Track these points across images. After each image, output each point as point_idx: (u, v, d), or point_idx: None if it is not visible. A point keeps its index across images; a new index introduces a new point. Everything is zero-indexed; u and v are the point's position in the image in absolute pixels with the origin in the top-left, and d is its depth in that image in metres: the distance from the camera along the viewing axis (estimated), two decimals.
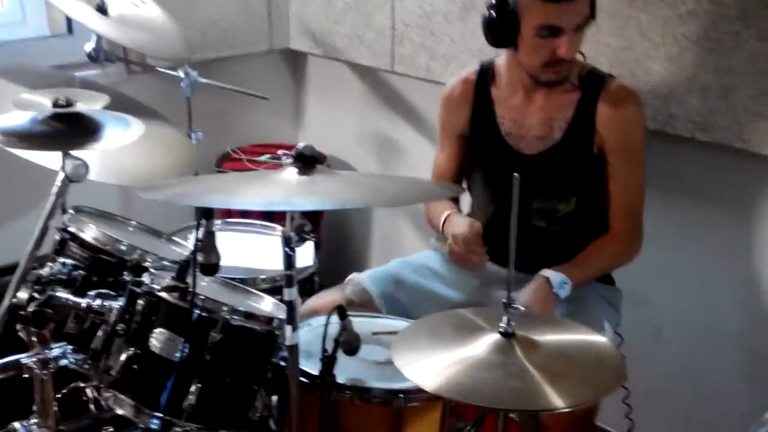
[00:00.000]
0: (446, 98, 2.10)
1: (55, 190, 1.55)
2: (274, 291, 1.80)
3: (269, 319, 1.61)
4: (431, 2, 2.53)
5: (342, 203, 1.32)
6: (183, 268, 1.54)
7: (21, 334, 1.62)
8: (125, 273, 1.69)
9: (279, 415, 1.62)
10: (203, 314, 1.55)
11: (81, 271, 1.68)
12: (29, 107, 1.53)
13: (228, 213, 2.55)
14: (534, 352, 1.38)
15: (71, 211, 1.82)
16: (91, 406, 1.76)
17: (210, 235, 1.49)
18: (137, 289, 1.57)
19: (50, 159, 1.67)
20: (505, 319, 1.40)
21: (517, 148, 1.98)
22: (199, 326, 1.55)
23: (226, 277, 1.83)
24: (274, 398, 1.61)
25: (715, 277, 2.18)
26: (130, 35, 2.21)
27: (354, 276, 2.05)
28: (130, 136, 1.58)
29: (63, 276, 1.66)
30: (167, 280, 1.55)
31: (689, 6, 1.96)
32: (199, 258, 1.50)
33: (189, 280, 1.52)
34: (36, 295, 1.58)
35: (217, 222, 2.35)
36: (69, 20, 2.63)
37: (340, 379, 1.54)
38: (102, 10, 2.18)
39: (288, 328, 1.41)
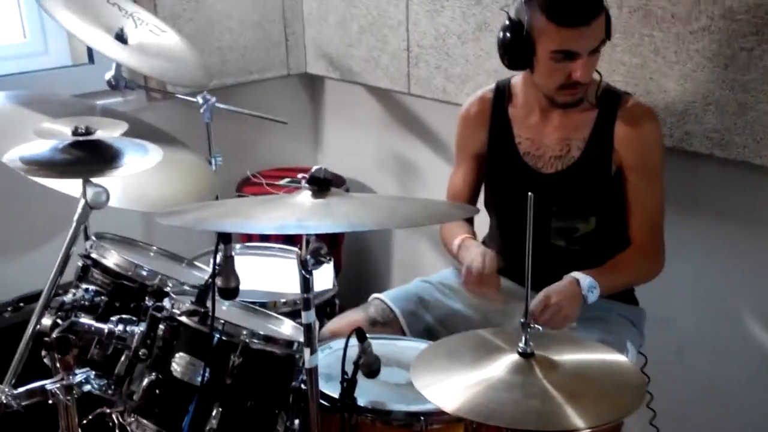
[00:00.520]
0: (463, 117, 2.10)
1: (76, 217, 1.57)
2: (295, 314, 1.81)
3: (289, 343, 1.62)
4: (445, 24, 2.55)
5: (356, 225, 1.33)
6: (203, 292, 1.55)
7: (45, 360, 1.64)
8: (147, 298, 1.71)
9: None
10: (223, 338, 1.57)
11: (103, 297, 1.71)
12: (50, 136, 1.56)
13: (248, 237, 2.57)
14: (553, 372, 1.38)
15: (93, 237, 1.84)
16: None
17: (229, 260, 1.50)
18: (158, 314, 1.59)
19: (71, 187, 1.69)
20: (523, 339, 1.40)
21: (536, 168, 1.98)
22: (220, 350, 1.56)
23: (246, 301, 1.84)
24: (297, 422, 1.61)
25: (736, 295, 2.16)
26: (149, 63, 2.24)
27: (377, 296, 2.06)
28: (148, 163, 1.60)
29: (85, 302, 1.68)
30: (187, 304, 1.57)
31: (702, 22, 1.96)
32: (219, 282, 1.51)
33: (209, 304, 1.54)
34: (59, 321, 1.60)
35: (237, 246, 2.38)
36: (90, 50, 2.68)
37: (361, 401, 1.54)
38: (121, 39, 2.22)
39: (307, 351, 1.42)
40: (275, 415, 1.61)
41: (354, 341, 1.53)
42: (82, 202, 1.56)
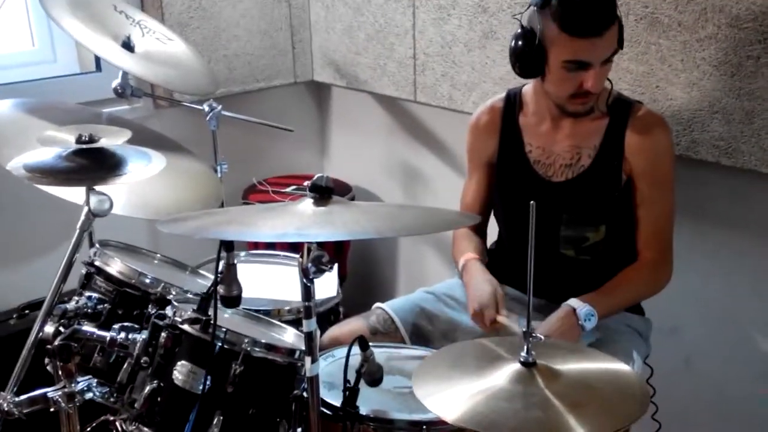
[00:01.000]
0: (473, 126, 2.10)
1: (79, 225, 1.58)
2: (299, 322, 1.80)
3: (291, 351, 1.62)
4: (451, 31, 2.55)
5: (356, 234, 1.33)
6: (204, 300, 1.56)
7: (48, 367, 1.64)
8: (150, 306, 1.71)
9: None
10: (225, 346, 1.57)
11: (106, 305, 1.71)
12: (54, 144, 1.57)
13: (254, 245, 2.57)
14: (555, 382, 1.36)
15: (97, 245, 1.85)
16: None
17: (231, 268, 1.50)
18: (160, 322, 1.59)
19: (76, 194, 1.69)
20: (525, 348, 1.39)
21: (546, 176, 1.97)
22: (221, 358, 1.56)
23: (248, 309, 1.84)
24: (299, 430, 1.61)
25: (744, 305, 2.14)
26: (155, 71, 2.25)
27: (379, 305, 2.05)
28: (152, 171, 1.60)
29: (88, 310, 1.69)
30: (189, 312, 1.57)
31: (709, 31, 1.95)
32: (221, 290, 1.51)
33: (211, 312, 1.53)
34: (62, 329, 1.60)
35: (242, 254, 2.39)
36: (97, 58, 2.69)
37: (363, 410, 1.53)
38: (128, 47, 2.23)
39: (308, 360, 1.42)
40: (277, 424, 1.60)
41: (356, 349, 1.52)
42: (85, 209, 1.56)
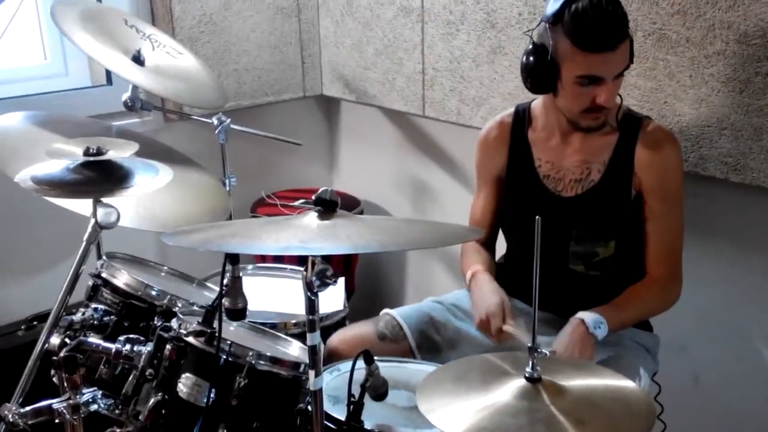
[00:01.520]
0: (482, 141, 2.10)
1: (86, 237, 1.58)
2: (305, 335, 1.81)
3: (295, 364, 1.62)
4: (460, 47, 2.56)
5: (359, 247, 1.33)
6: (209, 313, 1.56)
7: (54, 379, 1.65)
8: (155, 318, 1.72)
9: None
10: (229, 359, 1.57)
11: (112, 317, 1.72)
12: (62, 156, 1.58)
13: (262, 258, 2.58)
14: (560, 398, 1.35)
15: (104, 257, 1.86)
16: None
17: (236, 281, 1.51)
18: (165, 335, 1.59)
19: (83, 206, 1.70)
20: (530, 363, 1.38)
21: (555, 191, 1.97)
22: (226, 371, 1.57)
23: (254, 322, 1.84)
24: None
25: (753, 321, 2.13)
26: (165, 85, 2.26)
27: (388, 311, 2.05)
28: (159, 183, 1.61)
29: (95, 321, 1.69)
30: (194, 325, 1.57)
31: (717, 47, 1.95)
32: (226, 303, 1.51)
33: (215, 325, 1.54)
34: (67, 340, 1.60)
35: (250, 267, 2.39)
36: (108, 71, 2.71)
37: (368, 424, 1.53)
38: (138, 61, 2.24)
39: (312, 374, 1.41)
40: None
41: (361, 363, 1.52)
42: (92, 221, 1.57)
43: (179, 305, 1.74)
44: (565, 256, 1.96)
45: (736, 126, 1.96)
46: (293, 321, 2.05)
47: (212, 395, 1.55)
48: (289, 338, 1.82)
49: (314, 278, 1.36)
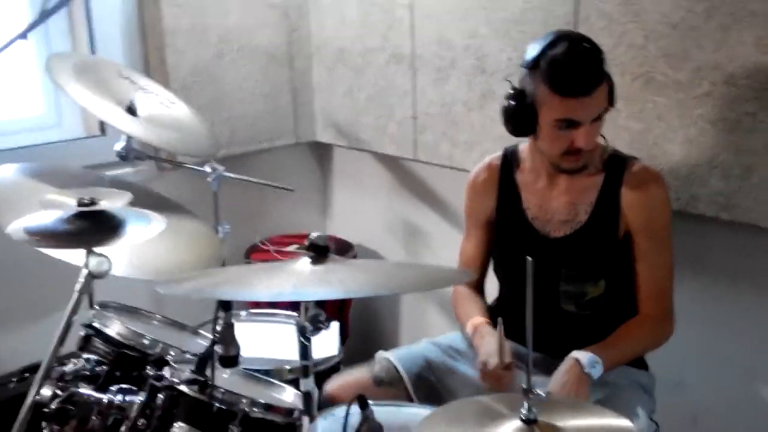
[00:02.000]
0: (471, 184, 2.11)
1: (78, 287, 1.58)
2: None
3: (289, 411, 1.60)
4: (451, 92, 2.58)
5: (351, 292, 1.33)
6: (202, 361, 1.55)
7: (45, 431, 1.63)
8: (148, 367, 1.70)
9: None
10: (222, 407, 1.55)
11: (104, 367, 1.71)
12: (55, 207, 1.58)
13: (256, 304, 2.56)
14: None
15: (97, 307, 1.85)
16: None
17: (229, 327, 1.50)
18: (158, 384, 1.58)
19: (76, 256, 1.70)
20: (526, 405, 1.37)
21: (544, 232, 1.98)
22: (219, 419, 1.55)
23: (248, 369, 1.83)
24: None
25: (748, 357, 2.12)
26: (158, 134, 2.28)
27: (383, 354, 2.04)
28: (151, 232, 1.61)
29: (86, 372, 1.68)
30: (187, 373, 1.56)
31: (704, 88, 1.97)
32: (219, 350, 1.50)
33: (208, 372, 1.53)
34: (59, 392, 1.59)
35: (243, 313, 2.38)
36: (102, 122, 2.73)
37: None
38: (132, 111, 2.26)
39: (305, 420, 1.40)
40: None
41: (356, 408, 1.51)
42: (84, 271, 1.57)
43: (172, 354, 1.73)
44: (556, 296, 1.96)
45: (726, 165, 1.98)
46: (288, 367, 2.04)
47: None
48: (283, 384, 1.80)
49: (307, 323, 1.36)
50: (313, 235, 1.38)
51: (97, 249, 1.58)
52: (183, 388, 1.56)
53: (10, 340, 2.58)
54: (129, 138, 2.31)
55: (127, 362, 1.73)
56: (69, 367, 1.66)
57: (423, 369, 2.00)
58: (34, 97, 2.74)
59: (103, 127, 2.76)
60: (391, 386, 1.96)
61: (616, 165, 1.93)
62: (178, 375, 1.58)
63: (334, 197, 3.34)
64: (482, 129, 2.52)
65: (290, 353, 2.09)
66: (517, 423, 1.37)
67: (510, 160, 2.05)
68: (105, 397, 1.59)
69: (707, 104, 1.98)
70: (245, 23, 2.90)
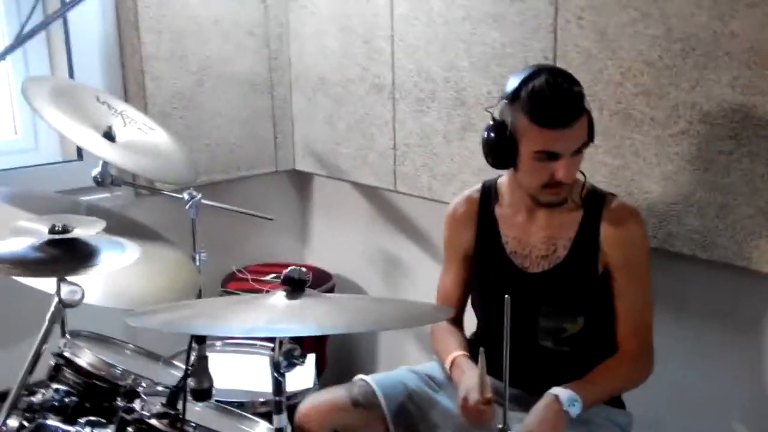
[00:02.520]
0: (450, 217, 2.11)
1: (48, 316, 1.55)
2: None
3: None
4: (431, 123, 2.59)
5: (326, 329, 1.32)
6: (174, 394, 1.52)
7: None
8: (118, 399, 1.67)
9: None
10: None
11: (74, 398, 1.67)
12: (26, 234, 1.55)
13: None
14: None
15: (68, 335, 1.82)
16: None
17: (202, 360, 1.48)
18: (127, 417, 1.55)
19: (48, 284, 1.67)
20: None
21: (522, 267, 1.97)
22: None
23: (220, 401, 1.80)
24: None
25: (724, 396, 2.12)
26: (136, 161, 2.26)
27: (362, 377, 2.01)
28: (125, 261, 1.59)
29: (55, 402, 1.64)
30: (158, 406, 1.53)
31: (681, 126, 1.99)
32: (191, 383, 1.48)
33: (180, 406, 1.50)
34: (25, 423, 1.55)
35: (218, 344, 2.35)
36: (79, 146, 2.70)
37: None
38: (110, 137, 2.24)
39: None
40: None
41: None
42: (55, 300, 1.54)
43: (143, 385, 1.70)
44: (535, 332, 1.95)
45: (702, 203, 1.99)
46: (261, 399, 2.01)
47: None
48: (255, 419, 1.78)
49: (281, 358, 1.34)
50: (289, 269, 1.37)
51: (69, 278, 1.56)
52: (153, 422, 1.53)
53: None
54: (106, 163, 2.30)
55: (98, 393, 1.70)
56: (37, 398, 1.63)
57: (402, 397, 1.97)
58: (11, 119, 2.71)
59: (80, 151, 2.73)
60: (367, 409, 1.92)
61: (594, 201, 1.94)
62: (148, 408, 1.55)
63: (313, 226, 3.33)
64: (462, 161, 2.52)
65: (265, 385, 2.06)
66: None
67: (489, 193, 2.05)
68: (73, 429, 1.56)
69: (684, 142, 2.00)
70: (225, 51, 2.90)
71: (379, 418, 1.93)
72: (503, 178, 2.04)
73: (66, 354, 1.74)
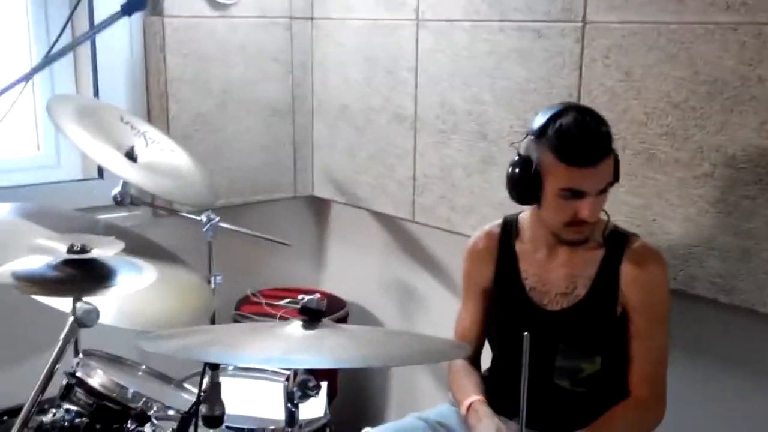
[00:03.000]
0: (470, 252, 2.09)
1: (63, 335, 1.54)
2: None
3: None
4: (451, 155, 2.59)
5: (342, 362, 1.30)
6: (185, 419, 1.51)
7: None
8: (129, 421, 1.66)
9: None
10: None
11: (84, 419, 1.66)
12: (44, 252, 1.55)
13: None
14: None
15: (81, 355, 1.81)
16: None
17: (215, 386, 1.47)
18: None
19: (63, 303, 1.67)
20: None
21: (541, 304, 1.95)
22: None
23: (231, 428, 1.79)
24: None
25: None
26: (156, 182, 2.27)
27: (369, 429, 1.98)
28: (142, 283, 1.59)
29: (65, 423, 1.63)
30: None
31: (705, 169, 1.97)
32: (203, 410, 1.47)
33: None
34: None
35: (230, 368, 2.34)
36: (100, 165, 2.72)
37: None
38: (131, 157, 2.25)
39: None
40: None
41: None
42: (70, 320, 1.53)
43: (154, 408, 1.69)
44: (551, 371, 1.93)
45: (725, 247, 1.97)
46: (271, 427, 1.99)
47: None
48: None
49: (296, 389, 1.33)
50: (307, 299, 1.35)
51: (85, 298, 1.56)
52: None
53: None
54: (126, 183, 2.31)
55: (108, 415, 1.69)
56: (48, 417, 1.62)
57: None
58: (35, 136, 2.73)
59: (101, 170, 2.75)
60: None
61: (616, 240, 1.92)
62: None
63: (329, 253, 3.32)
64: (481, 194, 2.51)
65: (276, 412, 2.05)
66: None
67: (509, 228, 2.04)
68: None
69: (707, 185, 1.98)
70: (249, 76, 2.92)
71: None
72: (524, 213, 2.02)
73: (78, 374, 1.74)
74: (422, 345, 1.48)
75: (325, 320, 1.38)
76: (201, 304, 2.17)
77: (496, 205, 2.44)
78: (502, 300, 2.02)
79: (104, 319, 1.65)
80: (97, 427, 1.68)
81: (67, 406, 1.68)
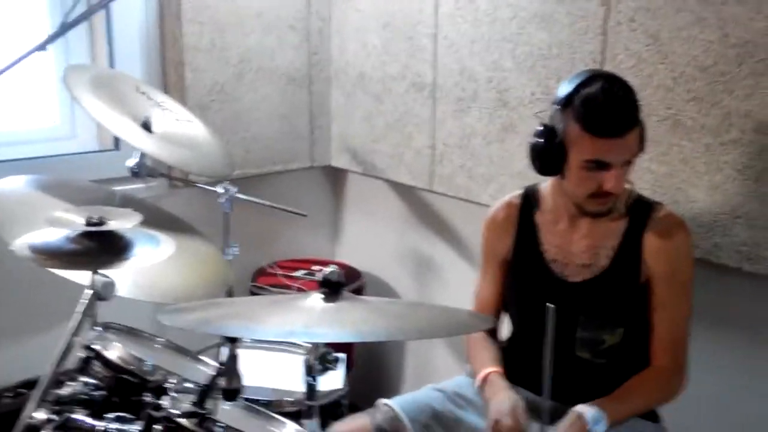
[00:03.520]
0: (489, 222, 2.06)
1: (81, 308, 1.53)
2: (301, 414, 1.74)
3: None
4: (471, 124, 2.54)
5: (364, 335, 1.28)
6: (204, 392, 1.50)
7: None
8: (146, 393, 1.65)
9: None
10: None
11: (102, 392, 1.65)
12: (62, 225, 1.54)
13: None
14: None
15: (99, 328, 1.80)
16: None
17: (233, 359, 1.45)
18: (156, 414, 1.53)
19: (81, 276, 1.66)
20: None
21: (562, 276, 1.92)
22: None
23: (249, 400, 1.78)
24: None
25: (764, 414, 2.05)
26: (172, 152, 2.24)
27: (386, 401, 1.97)
28: (159, 255, 1.57)
29: (83, 396, 1.62)
30: (187, 405, 1.51)
31: (732, 135, 1.92)
32: (221, 382, 1.45)
33: (209, 405, 1.47)
34: (54, 416, 1.53)
35: (247, 340, 2.33)
36: (116, 136, 2.70)
37: None
38: (147, 127, 2.23)
39: None
40: None
41: None
42: (88, 292, 1.52)
43: (172, 381, 1.68)
44: (572, 343, 1.90)
45: (751, 215, 1.92)
46: (289, 399, 1.99)
47: None
48: (284, 420, 1.74)
49: (316, 362, 1.31)
50: (327, 271, 1.33)
51: (102, 270, 1.54)
52: (182, 421, 1.50)
53: (7, 353, 2.53)
54: (142, 154, 2.28)
55: (126, 387, 1.68)
56: (65, 391, 1.61)
57: (426, 418, 1.93)
58: (50, 107, 2.71)
59: (117, 141, 2.73)
60: None
61: (640, 210, 1.88)
62: (177, 406, 1.52)
63: (345, 223, 3.30)
64: (501, 163, 2.47)
65: (294, 384, 2.04)
66: None
67: (530, 199, 2.00)
68: (100, 425, 1.54)
69: (735, 151, 1.93)
70: (266, 44, 2.88)
71: None
72: (545, 184, 1.99)
73: (96, 347, 1.72)
74: (444, 317, 1.45)
75: (345, 292, 1.35)
76: (218, 276, 2.16)
77: (516, 174, 2.40)
78: (522, 271, 2.00)
79: (121, 291, 1.64)
80: (115, 399, 1.67)
81: (84, 379, 1.67)
